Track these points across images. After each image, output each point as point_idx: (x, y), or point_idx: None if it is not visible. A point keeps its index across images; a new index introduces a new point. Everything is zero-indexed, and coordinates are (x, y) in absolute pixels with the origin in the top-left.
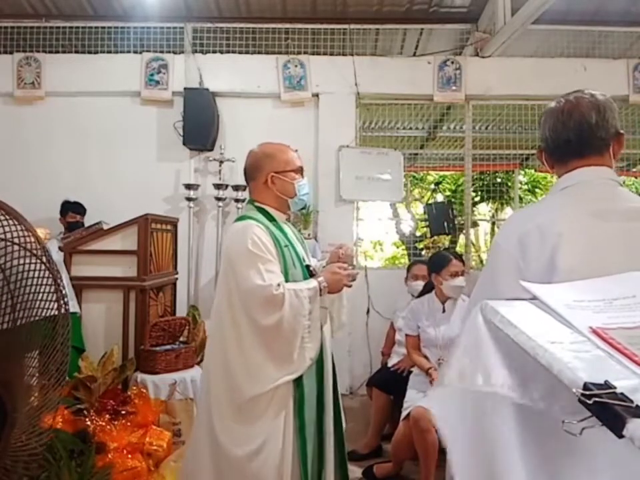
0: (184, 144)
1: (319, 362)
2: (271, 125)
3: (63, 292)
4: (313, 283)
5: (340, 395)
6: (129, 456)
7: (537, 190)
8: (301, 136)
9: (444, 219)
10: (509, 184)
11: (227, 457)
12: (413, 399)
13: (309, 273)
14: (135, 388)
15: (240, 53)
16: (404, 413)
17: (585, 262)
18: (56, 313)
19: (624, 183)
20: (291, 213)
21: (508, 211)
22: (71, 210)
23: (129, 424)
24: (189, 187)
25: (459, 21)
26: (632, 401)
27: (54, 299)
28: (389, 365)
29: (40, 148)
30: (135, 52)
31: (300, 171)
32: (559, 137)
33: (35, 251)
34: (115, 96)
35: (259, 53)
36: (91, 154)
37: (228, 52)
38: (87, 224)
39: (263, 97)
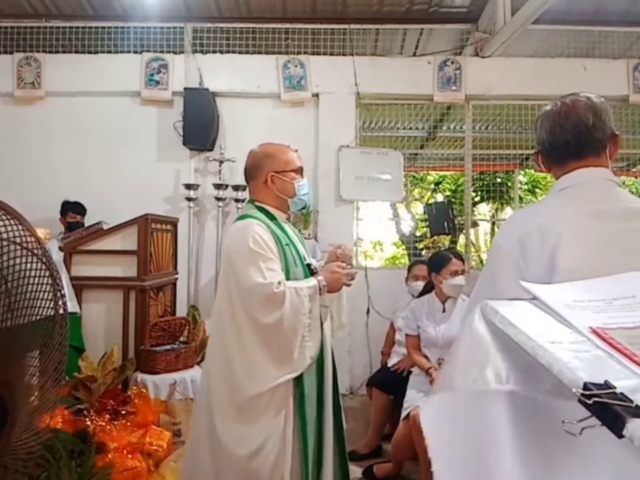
0: (184, 144)
1: (319, 361)
2: (271, 125)
3: (62, 292)
4: (312, 281)
5: (340, 394)
6: (129, 456)
7: (537, 190)
8: (300, 136)
9: (444, 218)
10: (509, 184)
11: (227, 457)
12: (413, 399)
13: (310, 271)
14: (134, 388)
15: (240, 53)
16: (404, 413)
17: (585, 262)
18: (54, 312)
19: (623, 183)
20: (291, 212)
21: (508, 211)
22: (71, 210)
23: (128, 424)
24: (188, 187)
25: (459, 21)
26: (632, 401)
27: (52, 297)
28: (389, 364)
29: (40, 148)
30: (135, 52)
31: (300, 171)
32: (557, 139)
33: (35, 251)
34: (115, 96)
35: (259, 52)
36: (90, 154)
37: (228, 52)
38: (87, 224)
39: (262, 96)
